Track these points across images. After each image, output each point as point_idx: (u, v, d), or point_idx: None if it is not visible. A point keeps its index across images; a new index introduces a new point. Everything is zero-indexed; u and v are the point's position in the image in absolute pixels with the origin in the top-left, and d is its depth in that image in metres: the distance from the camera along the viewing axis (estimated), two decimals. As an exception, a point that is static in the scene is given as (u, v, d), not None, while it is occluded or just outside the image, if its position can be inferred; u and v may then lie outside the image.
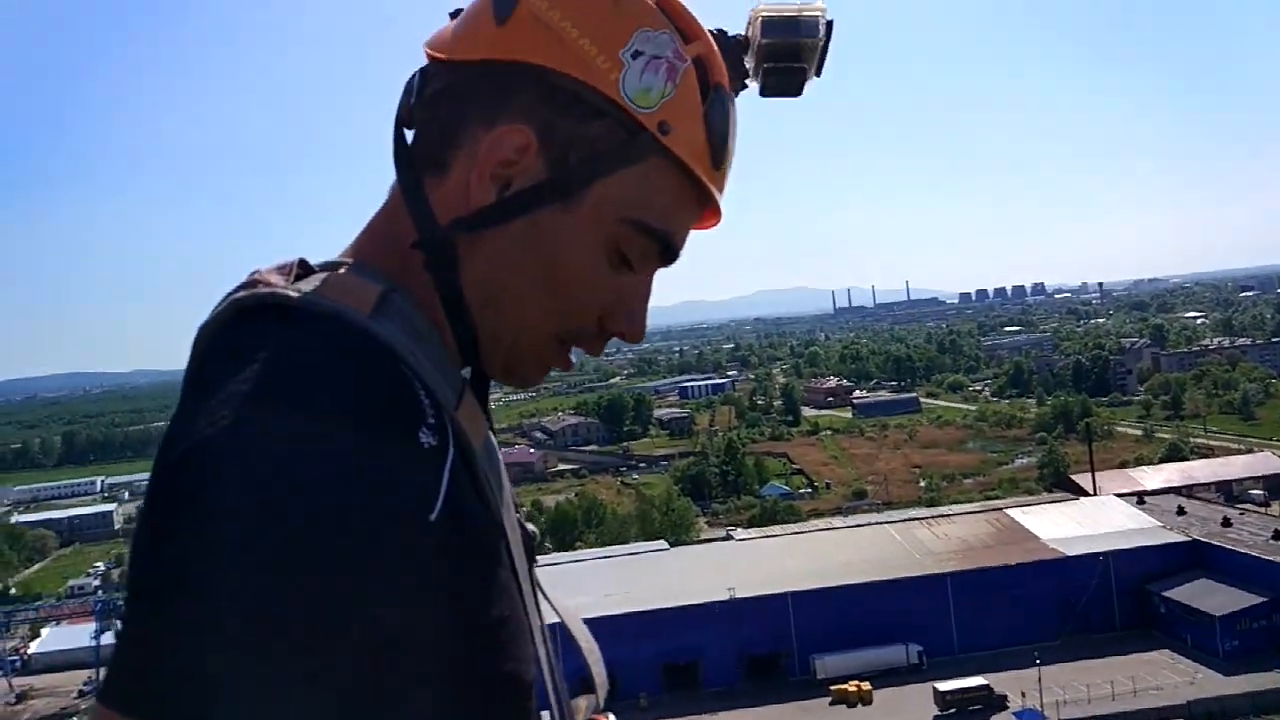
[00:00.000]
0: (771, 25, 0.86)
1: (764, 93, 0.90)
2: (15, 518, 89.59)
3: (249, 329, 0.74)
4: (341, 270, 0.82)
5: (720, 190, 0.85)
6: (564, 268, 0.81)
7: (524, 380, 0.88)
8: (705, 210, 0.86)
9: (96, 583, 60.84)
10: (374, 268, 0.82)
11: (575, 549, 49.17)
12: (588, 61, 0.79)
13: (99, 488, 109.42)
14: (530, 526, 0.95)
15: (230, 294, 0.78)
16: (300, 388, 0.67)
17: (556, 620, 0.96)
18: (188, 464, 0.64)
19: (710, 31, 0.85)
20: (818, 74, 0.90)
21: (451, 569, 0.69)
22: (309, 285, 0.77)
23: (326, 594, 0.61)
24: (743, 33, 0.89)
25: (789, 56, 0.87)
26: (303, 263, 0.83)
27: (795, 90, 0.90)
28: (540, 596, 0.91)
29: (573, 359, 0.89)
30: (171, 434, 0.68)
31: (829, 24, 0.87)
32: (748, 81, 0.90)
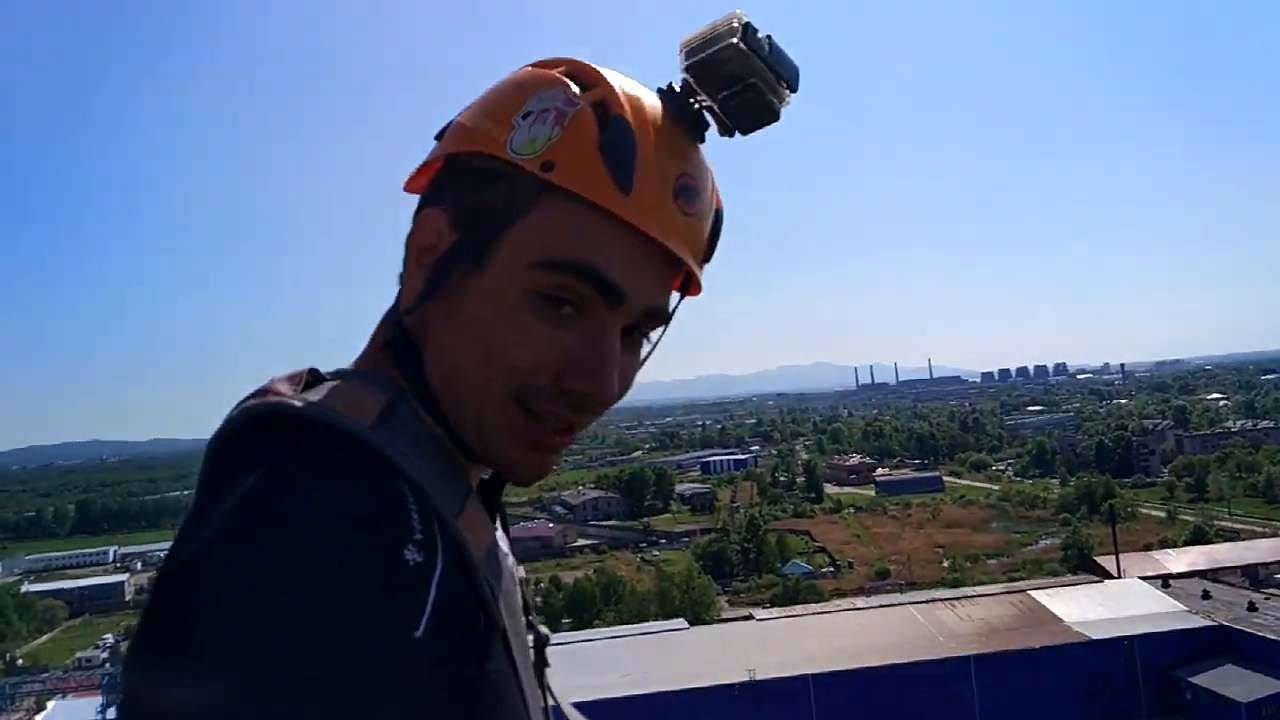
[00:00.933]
0: (691, 50, 0.84)
1: (742, 128, 0.86)
2: (25, 587, 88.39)
3: (253, 441, 0.76)
4: (349, 380, 0.83)
5: (649, 218, 0.81)
6: (489, 326, 0.81)
7: (514, 465, 0.86)
8: (638, 240, 0.81)
9: (104, 655, 59.45)
10: (382, 377, 0.85)
11: (593, 627, 48.84)
12: (485, 136, 0.84)
13: (111, 558, 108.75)
14: (543, 629, 0.95)
15: (242, 401, 0.81)
16: (289, 509, 0.68)
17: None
18: (177, 579, 0.67)
19: (659, 90, 0.86)
20: (791, 88, 0.85)
21: (443, 683, 0.68)
22: (316, 395, 0.79)
23: (308, 713, 0.61)
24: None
25: (728, 75, 0.83)
26: (313, 371, 0.85)
27: (765, 111, 0.85)
28: (550, 698, 0.91)
29: (563, 438, 0.86)
30: (176, 542, 0.70)
31: (746, 25, 0.82)
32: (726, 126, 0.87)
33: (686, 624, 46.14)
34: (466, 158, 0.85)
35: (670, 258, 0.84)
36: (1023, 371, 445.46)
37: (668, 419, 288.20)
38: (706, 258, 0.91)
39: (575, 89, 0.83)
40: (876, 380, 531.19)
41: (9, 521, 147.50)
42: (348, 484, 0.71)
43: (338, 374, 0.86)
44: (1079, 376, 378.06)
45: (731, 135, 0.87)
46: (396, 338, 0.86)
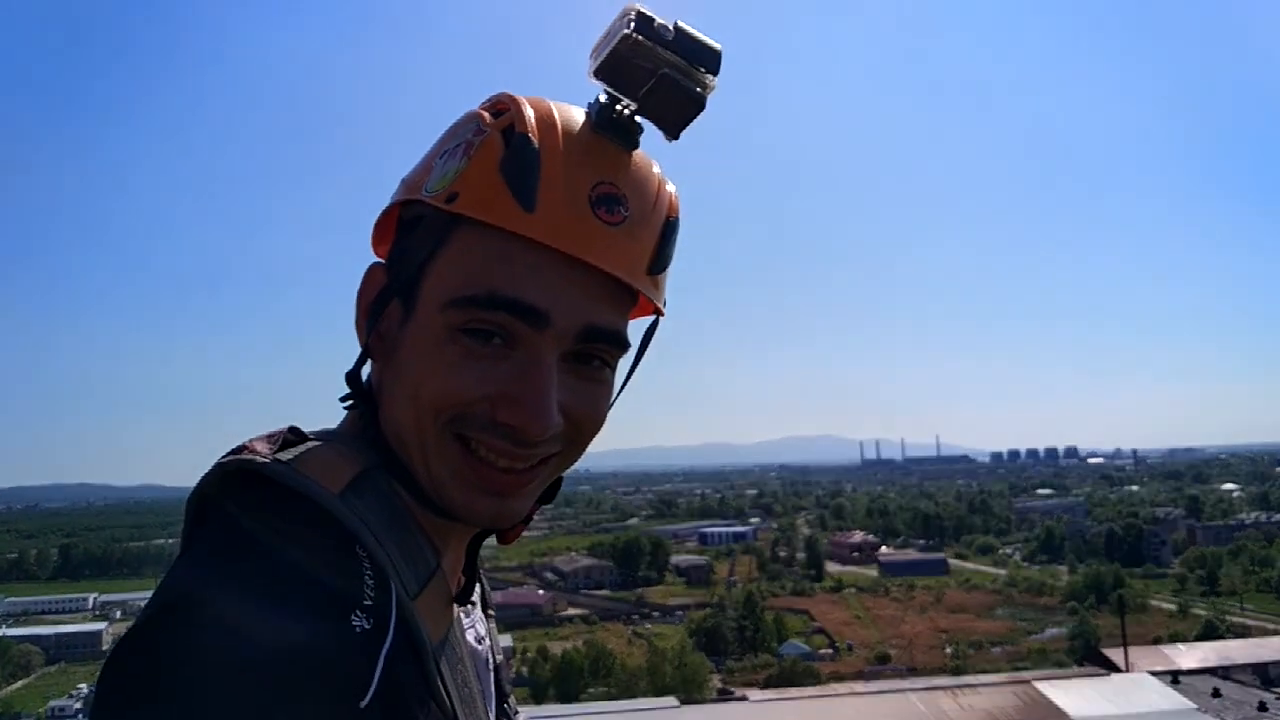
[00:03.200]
0: (594, 53, 0.82)
1: (668, 122, 0.83)
2: (2, 631, 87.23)
3: (222, 500, 0.78)
4: (327, 444, 0.82)
5: (559, 232, 0.79)
6: (418, 369, 0.80)
7: (470, 512, 0.84)
8: (552, 257, 0.79)
9: (78, 705, 58.46)
10: (363, 443, 0.84)
11: (580, 701, 47.00)
12: (412, 184, 0.86)
13: (91, 605, 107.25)
14: (521, 716, 0.94)
15: (220, 459, 0.81)
16: (237, 571, 0.68)
17: None
18: (127, 643, 0.67)
19: (589, 104, 0.85)
20: (710, 71, 0.82)
21: None
22: (290, 457, 0.78)
23: None
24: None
25: (639, 71, 0.80)
26: (293, 429, 0.84)
27: (685, 100, 0.81)
28: None
29: (514, 477, 0.83)
30: (151, 597, 0.71)
31: (639, 15, 0.79)
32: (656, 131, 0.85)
33: (677, 702, 44.17)
34: (401, 208, 0.88)
35: (605, 273, 0.81)
36: (1032, 453, 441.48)
37: (666, 486, 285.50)
38: (658, 267, 0.86)
39: (489, 119, 0.82)
40: (882, 455, 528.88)
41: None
42: (301, 548, 0.71)
43: (319, 435, 0.85)
44: (1090, 460, 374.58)
45: (674, 136, 0.84)
46: (351, 395, 0.87)
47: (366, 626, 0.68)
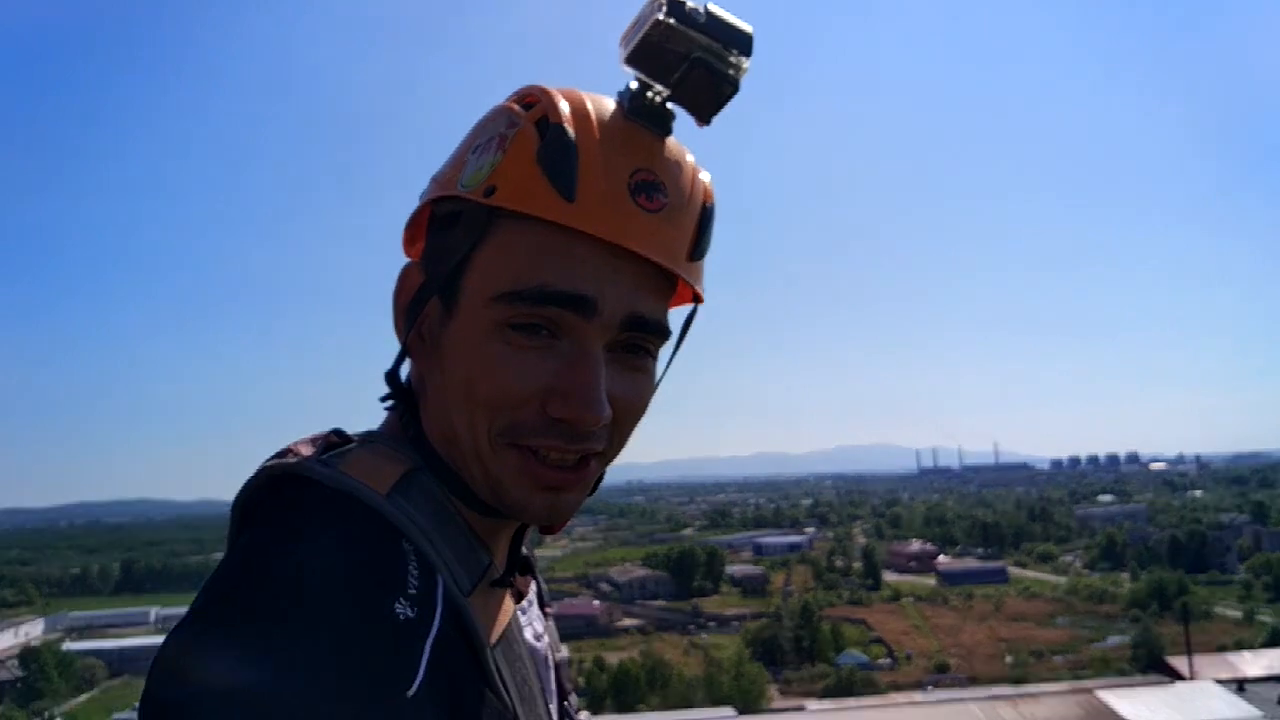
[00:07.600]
0: (624, 40, 0.80)
1: (702, 107, 0.82)
2: (67, 645, 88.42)
3: (267, 501, 0.79)
4: (370, 445, 0.82)
5: (600, 220, 0.77)
6: (467, 368, 0.79)
7: (525, 509, 0.83)
8: (596, 246, 0.78)
9: None
10: (406, 443, 0.84)
11: (637, 711, 47.43)
12: (445, 180, 0.85)
13: (152, 618, 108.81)
14: (582, 716, 0.94)
15: (265, 463, 0.81)
16: (278, 565, 0.68)
17: None
18: (170, 644, 0.67)
19: (620, 92, 0.83)
20: (744, 53, 0.80)
21: None
22: (335, 459, 0.78)
23: None
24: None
25: (671, 56, 0.78)
26: (337, 432, 0.84)
27: (720, 83, 0.80)
28: None
29: (571, 474, 0.82)
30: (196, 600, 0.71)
31: (671, 0, 0.78)
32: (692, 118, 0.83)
33: (735, 712, 44.53)
34: (434, 206, 0.86)
35: (647, 260, 0.80)
36: (1093, 459, 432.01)
37: (720, 496, 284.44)
38: (698, 253, 0.86)
39: (520, 111, 0.81)
40: (939, 464, 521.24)
41: (54, 578, 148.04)
42: (344, 541, 0.70)
43: (362, 436, 0.85)
44: (1152, 466, 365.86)
45: (706, 121, 0.83)
46: (392, 395, 0.87)
47: (411, 615, 0.68)
